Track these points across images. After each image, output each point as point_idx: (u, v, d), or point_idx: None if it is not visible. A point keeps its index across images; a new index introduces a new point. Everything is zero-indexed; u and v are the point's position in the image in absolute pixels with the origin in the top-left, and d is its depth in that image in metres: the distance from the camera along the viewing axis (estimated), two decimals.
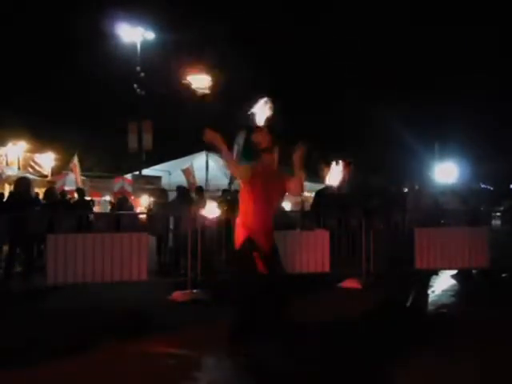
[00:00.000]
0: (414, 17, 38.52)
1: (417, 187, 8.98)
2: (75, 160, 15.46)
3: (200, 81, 4.61)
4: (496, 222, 8.90)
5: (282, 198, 4.26)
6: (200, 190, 9.63)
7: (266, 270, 3.74)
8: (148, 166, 19.21)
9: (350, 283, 6.79)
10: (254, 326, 3.75)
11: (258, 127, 4.00)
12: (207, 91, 4.44)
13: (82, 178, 15.98)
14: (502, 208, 9.70)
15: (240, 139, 7.68)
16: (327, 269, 6.85)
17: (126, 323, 5.00)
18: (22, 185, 7.52)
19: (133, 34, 17.97)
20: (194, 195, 9.65)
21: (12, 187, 9.08)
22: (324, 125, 28.93)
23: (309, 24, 38.78)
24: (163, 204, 9.09)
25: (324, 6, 39.67)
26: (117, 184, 15.93)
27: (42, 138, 21.93)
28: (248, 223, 3.85)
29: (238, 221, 3.95)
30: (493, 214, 8.98)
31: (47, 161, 20.32)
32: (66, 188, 14.45)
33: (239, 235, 3.88)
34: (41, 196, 12.10)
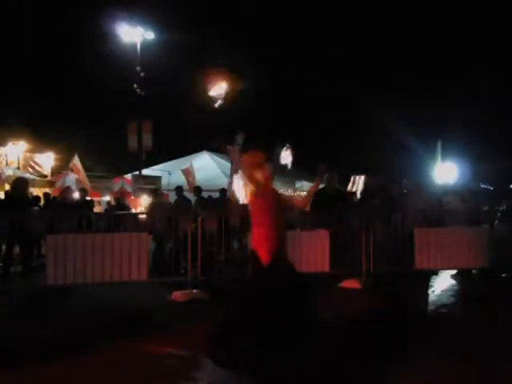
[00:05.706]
0: (414, 16, 38.58)
1: (414, 188, 8.96)
2: (77, 160, 15.36)
3: (217, 89, 4.35)
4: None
5: None
6: (198, 190, 9.65)
7: None
8: (148, 165, 19.18)
9: (350, 283, 6.79)
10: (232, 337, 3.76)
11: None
12: (222, 100, 4.25)
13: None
14: (503, 207, 9.69)
15: (240, 140, 7.68)
16: (327, 269, 6.85)
17: (126, 323, 5.00)
18: (18, 185, 7.54)
19: (133, 34, 17.96)
20: (192, 195, 9.71)
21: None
22: (324, 125, 28.92)
23: (309, 23, 38.82)
24: (159, 204, 9.11)
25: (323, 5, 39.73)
26: (117, 184, 15.89)
27: (41, 138, 21.88)
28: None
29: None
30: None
31: (47, 161, 20.24)
32: None
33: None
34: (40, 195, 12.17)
